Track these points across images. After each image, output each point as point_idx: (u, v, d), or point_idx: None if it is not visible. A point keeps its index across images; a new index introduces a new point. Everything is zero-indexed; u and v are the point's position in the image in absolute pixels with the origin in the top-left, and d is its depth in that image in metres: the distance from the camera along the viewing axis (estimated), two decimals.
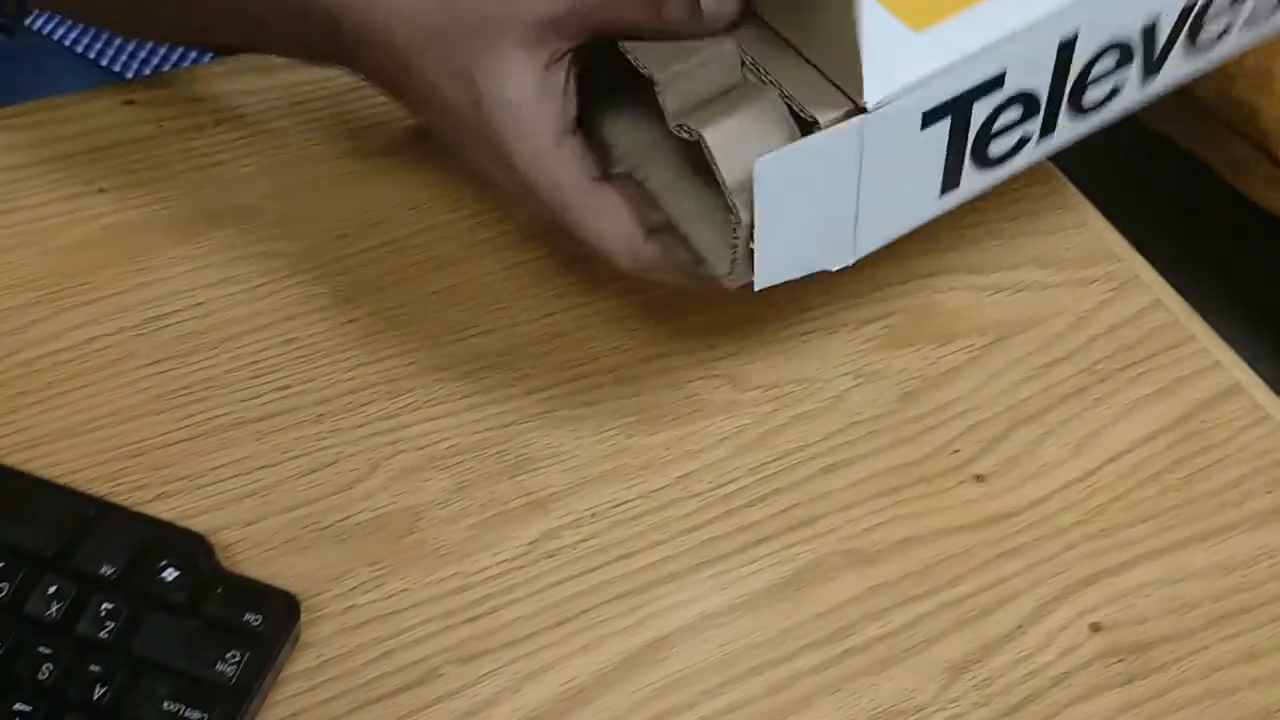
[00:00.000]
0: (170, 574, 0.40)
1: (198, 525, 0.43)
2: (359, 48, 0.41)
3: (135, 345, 0.48)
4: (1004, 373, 0.51)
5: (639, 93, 0.39)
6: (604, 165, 0.41)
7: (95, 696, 0.37)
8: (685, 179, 0.38)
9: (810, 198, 0.39)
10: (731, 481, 0.47)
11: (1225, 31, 0.45)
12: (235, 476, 0.45)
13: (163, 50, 0.62)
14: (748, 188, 0.37)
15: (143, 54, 0.62)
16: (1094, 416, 0.50)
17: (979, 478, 0.48)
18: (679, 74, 0.38)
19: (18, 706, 0.37)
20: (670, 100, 0.38)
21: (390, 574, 0.43)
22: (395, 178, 0.53)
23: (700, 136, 0.37)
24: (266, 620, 0.39)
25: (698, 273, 0.40)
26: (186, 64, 0.63)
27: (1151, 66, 0.44)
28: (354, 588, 0.43)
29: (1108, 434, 0.50)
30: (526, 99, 0.38)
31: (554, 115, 0.39)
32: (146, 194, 0.52)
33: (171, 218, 0.51)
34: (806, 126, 0.37)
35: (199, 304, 0.49)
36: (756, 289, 0.40)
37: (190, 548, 0.41)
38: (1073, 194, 0.57)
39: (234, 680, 0.38)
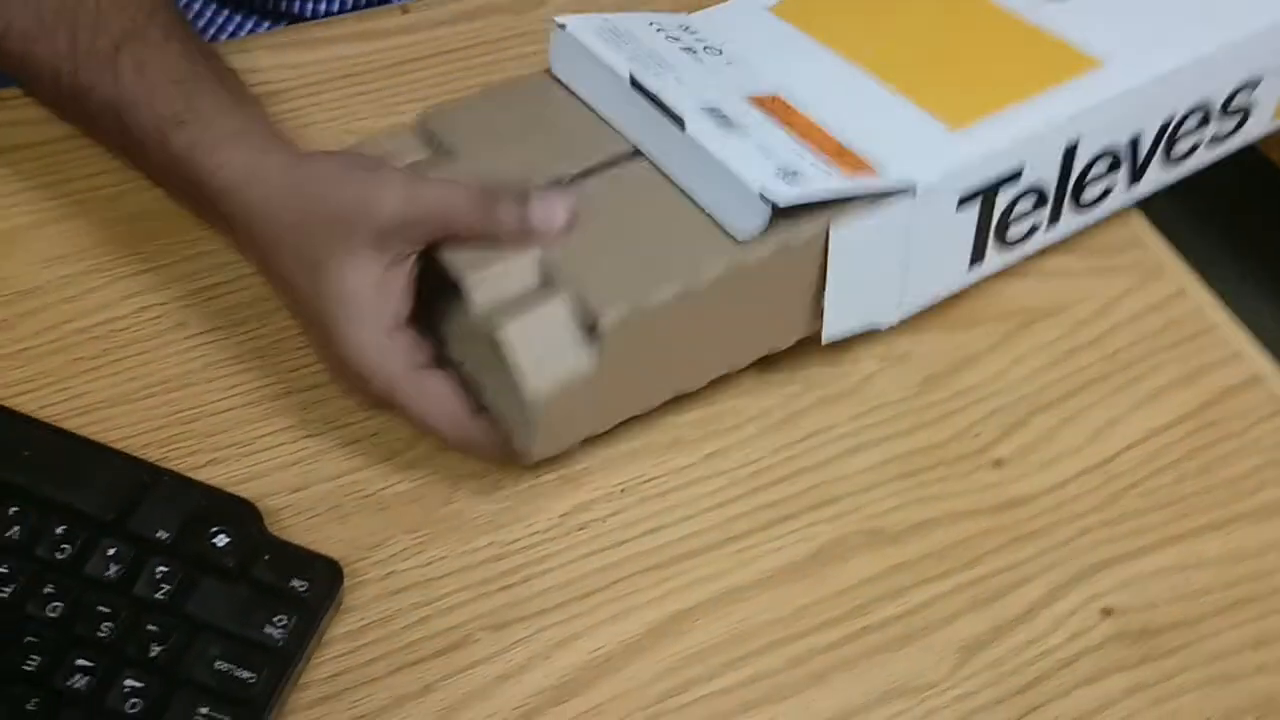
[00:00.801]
0: (221, 540, 0.42)
1: (246, 491, 0.45)
2: (233, 227, 0.45)
3: (187, 314, 0.49)
4: (1026, 358, 0.52)
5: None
6: (437, 350, 0.45)
7: (152, 655, 0.40)
8: (491, 365, 0.43)
9: (868, 264, 0.47)
10: (757, 461, 0.48)
11: (1194, 148, 0.54)
12: (282, 445, 0.47)
13: (216, 19, 0.64)
14: (537, 377, 0.42)
15: (200, 24, 0.63)
16: (1114, 404, 0.52)
17: (998, 462, 0.50)
18: (484, 279, 0.42)
19: (80, 662, 0.39)
20: (476, 301, 0.42)
21: (429, 542, 0.45)
22: None
23: (496, 336, 0.41)
24: (312, 586, 0.41)
25: (509, 448, 0.44)
26: (241, 34, 0.64)
27: (1136, 174, 0.53)
28: (394, 554, 0.45)
29: (1127, 421, 0.51)
30: (366, 295, 0.42)
31: (389, 311, 0.43)
32: None
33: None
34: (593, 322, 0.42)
35: (248, 274, 0.50)
36: (824, 342, 0.48)
37: (240, 514, 0.43)
38: None
39: (281, 643, 0.40)
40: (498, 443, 0.44)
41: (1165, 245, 0.57)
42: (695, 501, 0.47)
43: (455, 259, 0.43)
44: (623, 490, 0.47)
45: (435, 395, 0.43)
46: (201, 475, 0.45)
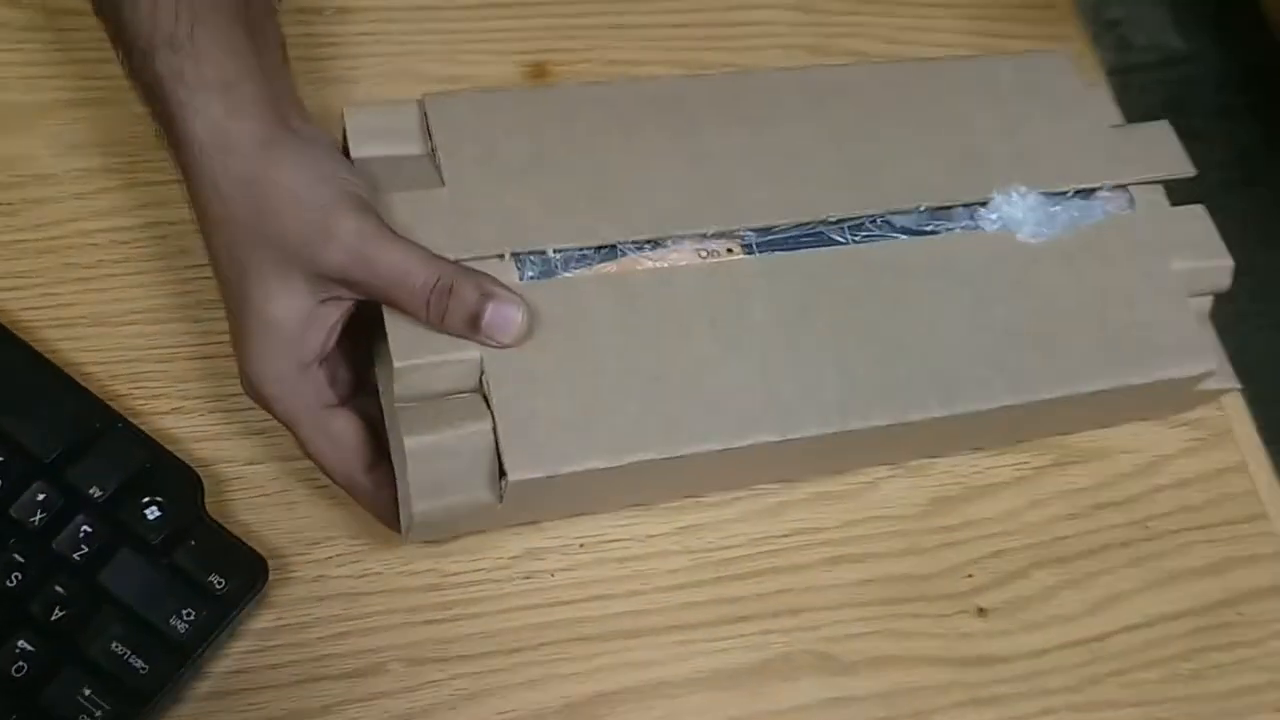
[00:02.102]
0: (153, 512, 0.40)
1: (202, 451, 0.44)
2: (187, 176, 0.41)
3: (193, 242, 0.47)
4: (1048, 503, 0.49)
5: None
6: (358, 388, 0.42)
7: (53, 617, 0.39)
8: (396, 443, 0.40)
9: None
10: (730, 547, 0.46)
11: None
12: (250, 409, 0.44)
13: None
14: (426, 499, 0.39)
15: None
16: (1125, 576, 0.48)
17: (982, 611, 0.46)
18: (415, 368, 0.39)
19: None
20: (400, 386, 0.39)
21: (369, 553, 0.43)
22: None
23: (403, 443, 0.39)
24: (230, 584, 0.40)
25: (396, 517, 0.41)
26: None
27: None
28: (330, 557, 0.43)
29: (1133, 599, 0.48)
30: (288, 326, 0.39)
31: (309, 347, 0.40)
32: None
33: None
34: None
35: None
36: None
37: (181, 485, 0.41)
38: None
39: (182, 639, 0.39)
40: (383, 504, 0.41)
41: (1244, 411, 0.52)
42: (652, 576, 0.45)
43: (395, 331, 0.39)
44: (581, 545, 0.45)
45: (334, 437, 0.41)
46: (161, 422, 0.44)
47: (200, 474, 0.42)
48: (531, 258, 0.42)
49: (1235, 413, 0.52)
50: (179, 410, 0.44)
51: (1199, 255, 0.47)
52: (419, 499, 0.39)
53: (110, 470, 0.41)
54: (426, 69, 0.52)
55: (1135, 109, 0.53)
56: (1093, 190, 0.48)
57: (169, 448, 0.43)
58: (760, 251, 0.44)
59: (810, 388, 0.42)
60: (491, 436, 0.39)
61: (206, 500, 0.42)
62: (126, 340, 0.45)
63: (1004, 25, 0.58)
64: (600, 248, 0.43)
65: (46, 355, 0.43)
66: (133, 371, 0.45)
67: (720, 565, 0.45)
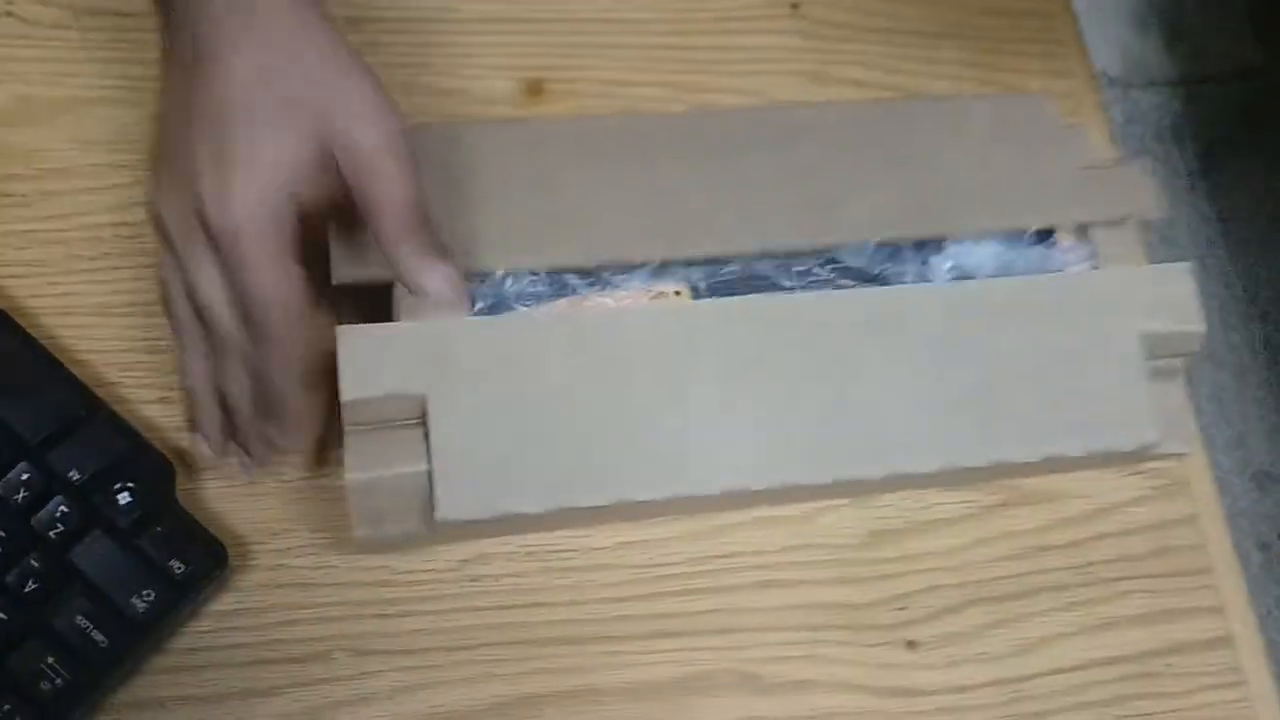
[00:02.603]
0: (124, 498, 0.44)
1: (182, 440, 0.47)
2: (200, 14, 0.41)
3: None
4: (991, 542, 0.50)
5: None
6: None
7: (25, 589, 0.42)
8: None
9: None
10: (667, 565, 0.48)
11: None
12: None
13: None
14: (366, 526, 0.43)
15: None
16: (1059, 620, 0.49)
17: (911, 644, 0.48)
18: (366, 400, 0.42)
19: None
20: (348, 414, 0.42)
21: (327, 547, 0.46)
22: None
23: (346, 478, 0.42)
24: (189, 568, 0.43)
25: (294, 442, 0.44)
26: None
27: None
28: (291, 548, 0.46)
29: (1064, 643, 0.49)
30: (281, 168, 0.39)
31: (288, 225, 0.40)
32: None
33: None
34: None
35: None
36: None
37: (155, 473, 0.45)
38: None
39: (141, 617, 0.43)
40: (306, 423, 0.43)
41: (1205, 463, 0.53)
42: (591, 588, 0.47)
43: (345, 364, 0.42)
44: (528, 554, 0.47)
45: (302, 321, 0.40)
46: (146, 411, 0.47)
47: (176, 463, 0.46)
48: (484, 289, 0.45)
49: (1195, 466, 0.52)
50: (164, 400, 0.48)
51: (1168, 319, 0.47)
52: (358, 526, 0.42)
53: (90, 456, 0.44)
54: (428, 82, 0.54)
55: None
56: (1053, 237, 0.48)
57: (150, 436, 0.46)
58: (709, 294, 0.46)
59: (742, 443, 0.44)
60: (427, 478, 0.42)
61: (179, 488, 0.45)
62: (122, 331, 0.48)
63: (1010, 59, 0.59)
64: (552, 283, 0.45)
65: (46, 342, 0.47)
66: (125, 361, 0.48)
67: (656, 581, 0.48)
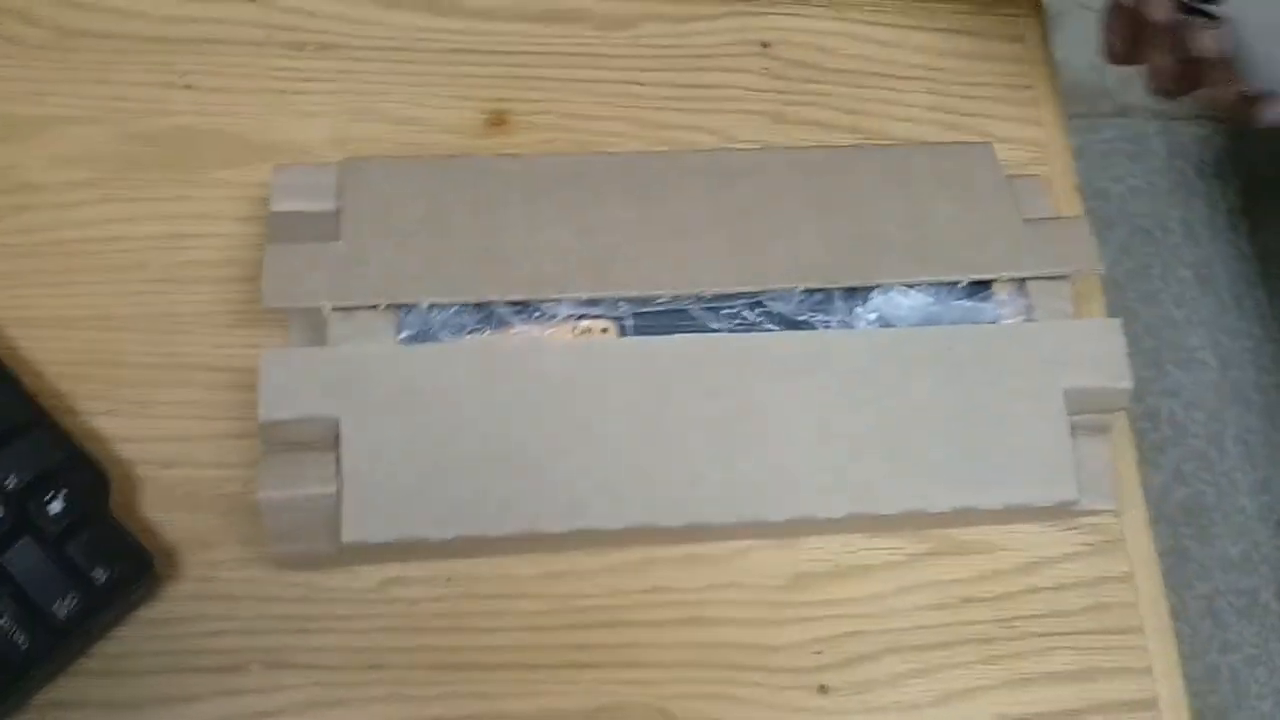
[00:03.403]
0: (55, 506, 0.45)
1: (124, 452, 0.49)
2: None
3: (151, 257, 0.52)
4: (916, 590, 0.50)
5: None
6: None
7: None
8: None
9: None
10: (589, 597, 0.49)
11: None
12: (176, 417, 0.50)
13: None
14: (281, 543, 0.45)
15: None
16: (979, 673, 0.49)
17: (823, 688, 0.48)
18: (282, 421, 0.44)
19: None
20: (264, 435, 0.44)
21: (254, 561, 0.48)
22: None
23: (257, 496, 0.44)
24: (111, 577, 0.45)
25: None
26: None
27: None
28: (220, 561, 0.48)
29: (982, 697, 0.49)
30: None
31: None
32: (226, 103, 0.55)
33: (237, 135, 0.54)
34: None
35: (223, 235, 0.53)
36: None
37: (89, 484, 0.46)
38: None
39: (62, 621, 0.44)
40: None
41: (1143, 520, 0.52)
42: (510, 616, 0.48)
43: (264, 386, 0.44)
44: (448, 580, 0.48)
45: None
46: (94, 422, 0.49)
47: (114, 473, 0.47)
48: (411, 317, 0.46)
49: (1132, 523, 0.52)
50: (112, 412, 0.50)
51: (1094, 375, 0.47)
52: (272, 543, 0.44)
53: (27, 463, 0.46)
54: (391, 110, 0.56)
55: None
56: (988, 289, 0.48)
57: (92, 447, 0.48)
58: (634, 332, 0.47)
59: (649, 480, 0.44)
60: (336, 500, 0.43)
61: (115, 498, 0.47)
62: (78, 343, 0.50)
63: (977, 104, 0.58)
64: (479, 314, 0.46)
65: (3, 352, 0.49)
66: (79, 373, 0.50)
67: (578, 613, 0.48)
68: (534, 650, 0.48)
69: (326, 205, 0.48)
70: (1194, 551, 1.06)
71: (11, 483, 0.46)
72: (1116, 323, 0.47)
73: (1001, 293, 0.48)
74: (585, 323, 0.47)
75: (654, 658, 0.48)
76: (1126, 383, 0.47)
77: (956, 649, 0.49)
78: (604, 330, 0.47)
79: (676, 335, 0.46)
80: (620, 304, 0.47)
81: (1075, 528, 0.51)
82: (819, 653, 0.49)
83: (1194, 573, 1.03)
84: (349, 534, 0.43)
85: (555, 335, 0.47)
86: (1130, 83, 1.33)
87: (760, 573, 0.50)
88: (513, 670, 0.47)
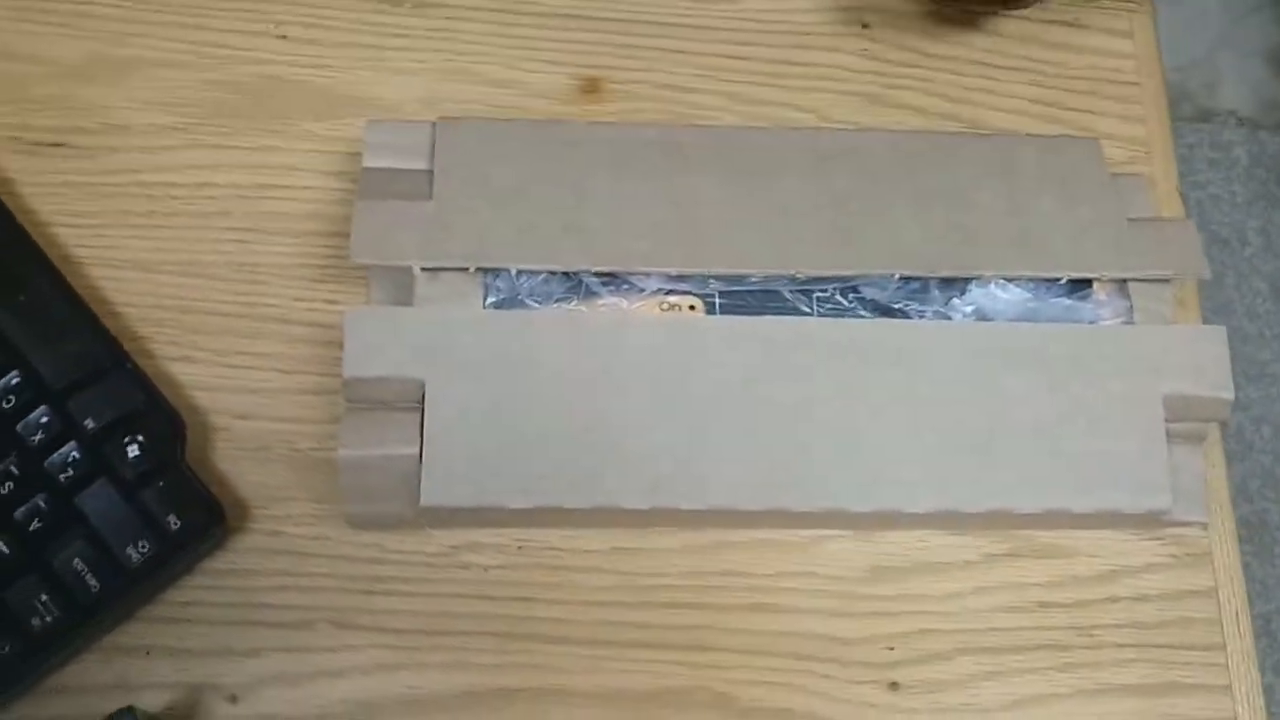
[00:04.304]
0: (133, 450, 0.45)
1: (199, 401, 0.48)
2: None
3: (235, 206, 0.52)
4: (994, 591, 0.49)
5: None
6: None
7: (31, 527, 0.44)
8: None
9: None
10: (660, 576, 0.48)
11: None
12: (253, 369, 0.49)
13: None
14: (357, 503, 0.45)
15: None
16: (1053, 680, 0.48)
17: (894, 685, 0.47)
18: (364, 380, 0.44)
19: None
20: (348, 393, 0.44)
21: (324, 519, 0.47)
22: None
23: (337, 455, 0.44)
24: (183, 526, 0.45)
25: None
26: None
27: None
28: (290, 516, 0.47)
29: (1055, 705, 0.47)
30: None
31: None
32: (318, 55, 0.54)
33: (328, 88, 0.54)
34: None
35: (308, 187, 0.52)
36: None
37: (166, 430, 0.46)
38: None
39: (133, 567, 0.44)
40: None
41: (1232, 534, 0.50)
42: (578, 590, 0.47)
43: (350, 343, 0.43)
44: (520, 548, 0.48)
45: None
46: (170, 368, 0.49)
47: (188, 422, 0.47)
48: (498, 284, 0.45)
49: (1221, 536, 0.50)
50: (187, 359, 0.49)
51: (1195, 383, 0.46)
52: (348, 502, 0.43)
53: (107, 406, 0.46)
54: (485, 71, 0.55)
55: None
56: (1088, 288, 0.47)
57: (168, 393, 0.47)
58: (722, 310, 0.46)
59: (730, 462, 0.43)
60: (417, 461, 0.42)
61: (188, 446, 0.47)
62: (157, 288, 0.50)
63: (1080, 98, 0.57)
64: (567, 283, 0.45)
65: (84, 292, 0.48)
66: (155, 317, 0.50)
67: (647, 591, 0.48)
68: (600, 626, 0.47)
69: (419, 164, 0.47)
70: (1254, 569, 1.04)
71: (90, 424, 0.45)
72: (1221, 330, 0.46)
73: (1101, 293, 0.47)
74: (673, 298, 0.46)
75: (721, 642, 0.47)
76: (1228, 392, 0.45)
77: (1031, 654, 0.48)
78: (691, 307, 0.46)
79: (766, 316, 0.45)
80: (710, 281, 0.46)
81: (1159, 538, 0.50)
82: (891, 648, 0.48)
83: (1254, 591, 1.01)
84: (428, 497, 0.42)
85: (642, 309, 0.46)
86: (1215, 88, 1.30)
87: (835, 563, 0.49)
88: (578, 645, 0.47)
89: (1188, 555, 0.50)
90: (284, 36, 0.55)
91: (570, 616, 0.47)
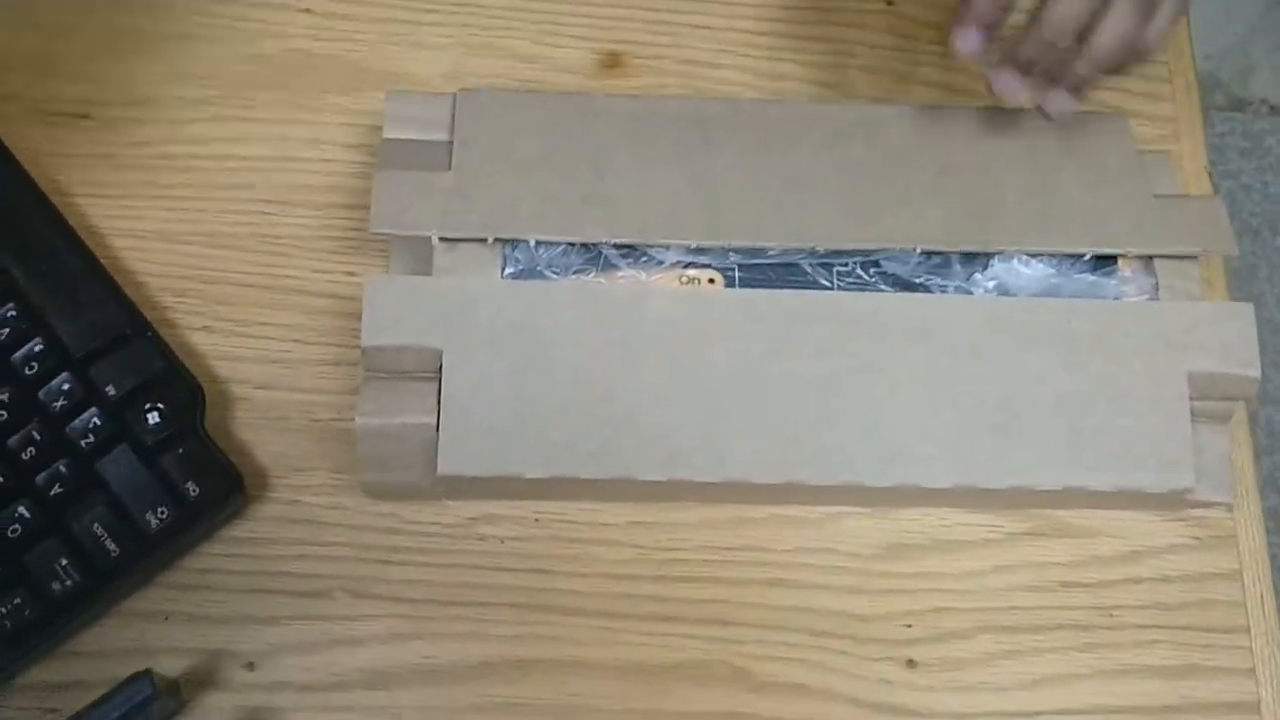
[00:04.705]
0: (153, 417, 0.45)
1: (220, 370, 0.49)
2: None
3: (258, 178, 0.52)
4: (1015, 570, 0.48)
5: None
6: None
7: (52, 492, 0.44)
8: None
9: None
10: (676, 550, 0.48)
11: None
12: (273, 339, 0.49)
13: None
14: (373, 471, 0.45)
15: None
16: (1074, 660, 0.47)
17: (911, 663, 0.47)
18: (383, 348, 0.43)
19: None
20: (367, 361, 0.44)
21: (343, 489, 0.47)
22: None
23: (355, 422, 0.44)
24: (202, 493, 0.45)
25: None
26: None
27: None
28: (308, 485, 0.48)
29: (1075, 684, 0.47)
30: None
31: None
32: (343, 29, 0.54)
33: (352, 62, 0.54)
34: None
35: (330, 160, 0.52)
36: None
37: (185, 397, 0.46)
38: None
39: (152, 533, 0.44)
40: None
41: (1258, 516, 0.50)
42: (595, 563, 0.47)
43: (369, 312, 0.43)
44: (536, 520, 0.48)
45: None
46: (189, 337, 0.49)
47: (209, 390, 0.47)
48: (517, 253, 0.45)
49: (1246, 518, 0.50)
50: (208, 329, 0.49)
51: (1221, 360, 0.45)
52: (364, 470, 0.43)
53: (128, 373, 0.46)
54: (511, 46, 0.55)
55: None
56: (1113, 264, 0.46)
57: (189, 362, 0.48)
58: (741, 284, 0.45)
59: (748, 435, 0.43)
60: (434, 430, 0.42)
61: (208, 415, 0.47)
62: (182, 258, 0.50)
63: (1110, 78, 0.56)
64: (586, 254, 0.45)
65: (107, 262, 0.49)
66: (178, 287, 0.50)
67: (662, 565, 0.47)
68: (617, 599, 0.47)
69: (439, 135, 0.47)
70: None
71: (111, 391, 0.46)
72: (1248, 307, 0.45)
73: (1126, 269, 0.47)
74: (692, 271, 0.46)
75: (738, 617, 0.47)
76: (1254, 370, 0.44)
77: (1051, 633, 0.48)
78: (711, 280, 0.46)
79: (787, 290, 0.45)
80: (729, 254, 0.46)
81: (1183, 519, 0.49)
82: (909, 626, 0.47)
83: None
84: (445, 466, 0.42)
85: (661, 282, 0.46)
86: (1247, 76, 1.28)
87: (854, 540, 0.48)
88: (594, 617, 0.47)
89: (1212, 537, 0.49)
90: (309, 10, 0.55)
91: (587, 589, 0.47)
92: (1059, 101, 0.46)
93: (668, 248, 0.45)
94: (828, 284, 0.46)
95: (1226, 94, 1.27)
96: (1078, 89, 0.46)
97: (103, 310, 0.47)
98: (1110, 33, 0.43)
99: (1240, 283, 1.15)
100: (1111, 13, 0.42)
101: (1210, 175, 0.55)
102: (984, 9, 0.45)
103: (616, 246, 0.46)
